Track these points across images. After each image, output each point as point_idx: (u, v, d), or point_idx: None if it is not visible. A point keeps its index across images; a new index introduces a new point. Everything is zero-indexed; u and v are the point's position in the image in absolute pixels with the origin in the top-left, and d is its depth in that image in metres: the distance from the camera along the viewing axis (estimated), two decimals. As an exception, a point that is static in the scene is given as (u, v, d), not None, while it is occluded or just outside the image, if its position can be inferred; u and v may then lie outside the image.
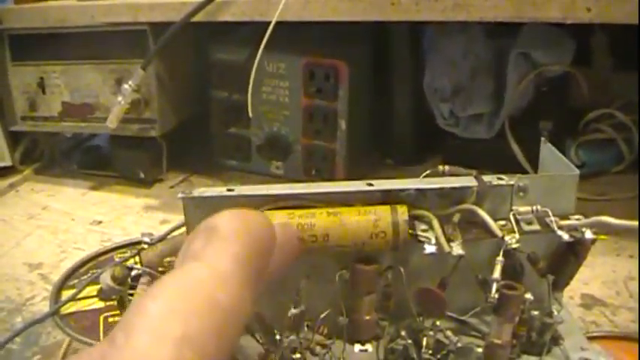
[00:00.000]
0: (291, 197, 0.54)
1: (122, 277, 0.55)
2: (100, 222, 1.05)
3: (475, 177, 0.55)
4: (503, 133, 1.08)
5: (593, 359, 0.55)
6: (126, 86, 1.05)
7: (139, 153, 1.17)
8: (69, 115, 1.17)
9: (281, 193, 0.54)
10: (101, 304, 0.77)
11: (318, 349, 0.56)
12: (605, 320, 0.74)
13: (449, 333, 0.55)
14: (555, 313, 0.55)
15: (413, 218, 0.55)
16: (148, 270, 0.60)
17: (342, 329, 0.57)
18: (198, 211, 0.56)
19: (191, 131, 1.22)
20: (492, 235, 0.54)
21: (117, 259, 0.85)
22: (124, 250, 0.87)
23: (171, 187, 1.17)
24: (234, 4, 0.97)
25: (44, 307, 0.80)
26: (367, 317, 0.57)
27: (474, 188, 0.55)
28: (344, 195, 0.54)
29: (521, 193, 0.56)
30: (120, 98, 1.05)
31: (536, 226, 0.56)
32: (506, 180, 0.56)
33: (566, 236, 0.54)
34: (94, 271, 0.83)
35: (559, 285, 0.58)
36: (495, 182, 0.55)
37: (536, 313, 0.55)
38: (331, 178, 1.07)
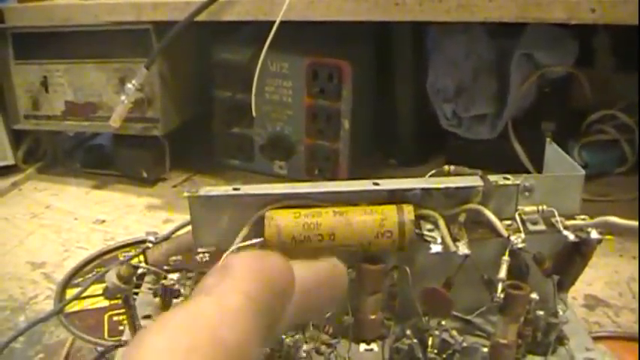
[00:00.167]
0: (298, 196, 0.54)
1: (128, 276, 0.55)
2: (103, 221, 1.05)
3: (481, 177, 0.55)
4: (505, 133, 1.08)
5: (597, 359, 0.56)
6: (129, 85, 1.05)
7: (142, 152, 1.17)
8: (72, 114, 1.17)
9: (287, 192, 0.54)
10: (106, 303, 0.77)
11: (323, 348, 0.56)
12: (608, 321, 0.74)
13: (454, 333, 0.55)
14: (560, 313, 0.56)
15: (419, 218, 0.55)
16: (153, 269, 0.60)
17: (348, 328, 0.57)
18: (204, 209, 0.56)
19: (194, 131, 1.22)
20: (498, 234, 0.54)
21: (122, 258, 0.85)
22: (128, 249, 0.87)
23: (174, 186, 1.17)
24: (237, 4, 0.97)
25: (47, 306, 0.80)
26: (373, 317, 0.57)
27: (480, 188, 0.55)
28: (350, 194, 0.54)
29: (526, 193, 0.57)
30: (123, 97, 1.05)
31: (541, 226, 0.56)
32: (512, 180, 0.56)
33: (572, 236, 0.54)
34: (99, 269, 0.83)
35: (564, 285, 0.58)
36: (501, 182, 0.56)
37: (541, 313, 0.55)
38: (334, 178, 1.07)
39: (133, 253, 0.65)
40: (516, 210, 0.56)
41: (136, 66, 1.06)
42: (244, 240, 0.55)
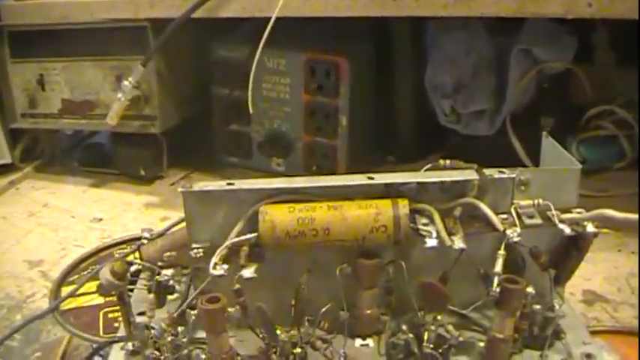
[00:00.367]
0: (292, 191, 0.54)
1: (122, 272, 0.55)
2: (101, 219, 1.05)
3: (476, 170, 0.55)
4: (504, 129, 1.08)
5: (595, 354, 0.55)
6: (126, 83, 1.04)
7: (140, 150, 1.17)
8: (69, 112, 1.16)
9: (282, 187, 0.54)
10: (101, 301, 0.77)
11: (318, 343, 0.56)
12: (607, 316, 0.74)
13: (450, 327, 0.55)
14: (557, 307, 0.55)
15: (414, 212, 0.55)
16: (147, 265, 0.60)
17: (343, 324, 0.57)
18: (198, 205, 0.56)
19: (192, 128, 1.22)
20: (494, 228, 0.54)
21: (117, 255, 0.85)
22: (123, 246, 0.87)
23: (172, 184, 1.17)
24: (234, 1, 0.97)
25: (44, 304, 0.80)
26: (368, 312, 0.57)
27: (475, 182, 0.54)
28: (345, 189, 0.54)
29: (522, 187, 0.56)
30: (120, 95, 1.05)
31: (537, 220, 0.56)
32: (507, 173, 0.56)
33: (568, 230, 0.54)
34: (94, 267, 0.83)
35: (561, 279, 0.58)
36: (497, 176, 0.55)
37: (538, 307, 0.55)
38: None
39: (128, 250, 0.65)
40: (512, 204, 0.56)
41: (133, 63, 1.06)
42: (238, 235, 0.55)
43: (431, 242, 0.53)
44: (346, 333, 0.57)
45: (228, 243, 0.54)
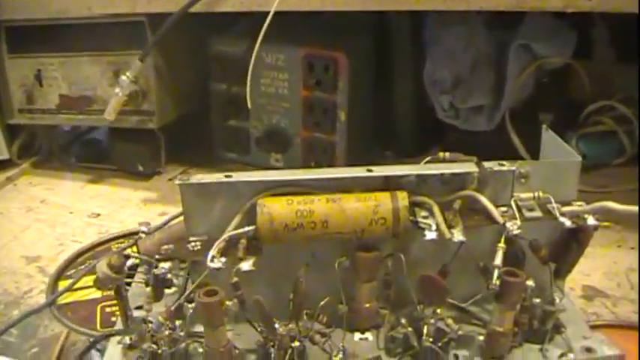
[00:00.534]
0: (291, 183, 0.54)
1: (119, 265, 0.54)
2: (99, 215, 1.05)
3: (476, 163, 0.55)
4: (503, 125, 1.08)
5: (595, 348, 0.55)
6: (124, 78, 1.04)
7: (138, 146, 1.16)
8: (67, 108, 1.16)
9: (280, 179, 0.54)
10: (98, 295, 0.77)
11: (317, 337, 0.55)
12: (607, 312, 0.74)
13: (450, 321, 0.54)
14: (557, 301, 0.55)
15: (413, 205, 0.54)
16: (144, 258, 0.59)
17: (342, 317, 0.56)
18: (196, 197, 0.56)
19: (190, 124, 1.21)
20: (494, 221, 0.54)
21: (114, 249, 0.85)
22: (121, 240, 0.87)
23: (170, 179, 1.17)
24: (232, -5, 0.97)
25: (42, 300, 0.79)
26: (367, 305, 0.57)
27: (475, 174, 0.54)
28: (344, 181, 0.54)
29: (522, 180, 0.56)
30: (118, 90, 1.04)
31: (538, 213, 0.55)
32: (507, 166, 0.55)
33: (568, 223, 0.54)
34: (91, 261, 0.82)
35: (561, 273, 0.58)
36: (496, 168, 0.55)
37: (537, 300, 0.54)
38: (330, 170, 1.06)
39: (125, 244, 0.65)
40: (512, 196, 0.56)
41: (130, 59, 1.06)
42: (236, 228, 0.54)
43: (430, 235, 0.53)
44: (345, 327, 0.56)
45: (226, 236, 0.53)
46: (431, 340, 0.53)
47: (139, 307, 0.59)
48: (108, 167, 1.21)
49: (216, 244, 0.53)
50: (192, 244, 0.56)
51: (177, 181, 0.55)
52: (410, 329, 0.54)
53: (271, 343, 0.53)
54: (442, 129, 1.15)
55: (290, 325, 0.54)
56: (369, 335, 0.58)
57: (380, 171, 0.54)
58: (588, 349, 0.55)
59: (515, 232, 0.53)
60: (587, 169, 1.01)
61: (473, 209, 0.55)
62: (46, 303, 0.73)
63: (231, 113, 1.14)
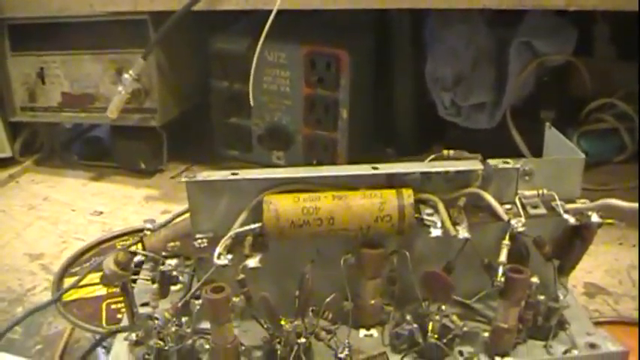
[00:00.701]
0: (297, 181, 0.54)
1: (125, 262, 0.54)
2: (101, 212, 1.05)
3: (480, 161, 0.55)
4: (504, 122, 1.08)
5: (599, 344, 0.55)
6: (126, 76, 1.04)
7: (140, 143, 1.16)
8: (69, 106, 1.16)
9: (286, 177, 0.54)
10: (103, 292, 0.77)
11: (323, 334, 0.56)
12: (608, 309, 0.74)
13: (455, 318, 0.55)
14: (561, 297, 0.55)
15: (418, 202, 0.54)
16: (150, 254, 0.59)
17: (347, 314, 0.56)
18: (202, 195, 0.56)
19: (192, 121, 1.22)
20: (498, 218, 0.54)
21: (119, 247, 0.85)
22: (125, 237, 0.87)
23: (172, 177, 1.17)
24: (234, -7, 0.97)
25: (45, 297, 0.80)
26: (372, 302, 0.57)
27: (480, 172, 0.54)
28: (349, 178, 0.54)
29: (526, 177, 0.56)
30: (120, 88, 1.05)
31: (542, 210, 0.56)
32: (511, 163, 0.56)
33: (572, 220, 0.54)
34: (96, 258, 0.82)
35: (564, 269, 0.58)
36: (501, 166, 0.55)
37: (542, 297, 0.55)
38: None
39: (131, 241, 0.65)
40: (516, 194, 0.56)
41: (132, 57, 1.06)
42: (243, 225, 0.54)
43: (435, 232, 0.53)
44: (350, 323, 0.57)
45: (232, 233, 0.54)
46: (436, 336, 0.54)
47: (145, 304, 0.60)
48: (110, 165, 1.21)
49: (223, 241, 0.53)
50: (199, 241, 0.56)
51: (183, 179, 0.55)
52: (415, 326, 0.55)
53: (277, 340, 0.53)
54: (443, 126, 1.15)
55: (296, 322, 0.54)
56: (374, 332, 0.58)
57: (385, 168, 0.54)
58: (592, 346, 0.55)
59: (520, 229, 0.53)
60: (589, 166, 1.01)
61: (477, 206, 0.55)
62: (53, 300, 0.73)
63: (233, 111, 1.14)
